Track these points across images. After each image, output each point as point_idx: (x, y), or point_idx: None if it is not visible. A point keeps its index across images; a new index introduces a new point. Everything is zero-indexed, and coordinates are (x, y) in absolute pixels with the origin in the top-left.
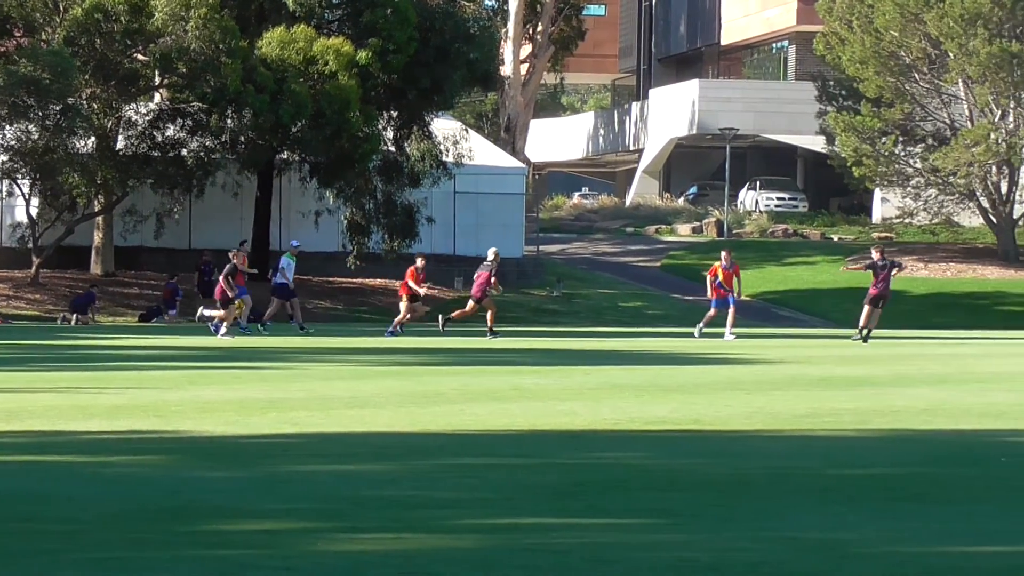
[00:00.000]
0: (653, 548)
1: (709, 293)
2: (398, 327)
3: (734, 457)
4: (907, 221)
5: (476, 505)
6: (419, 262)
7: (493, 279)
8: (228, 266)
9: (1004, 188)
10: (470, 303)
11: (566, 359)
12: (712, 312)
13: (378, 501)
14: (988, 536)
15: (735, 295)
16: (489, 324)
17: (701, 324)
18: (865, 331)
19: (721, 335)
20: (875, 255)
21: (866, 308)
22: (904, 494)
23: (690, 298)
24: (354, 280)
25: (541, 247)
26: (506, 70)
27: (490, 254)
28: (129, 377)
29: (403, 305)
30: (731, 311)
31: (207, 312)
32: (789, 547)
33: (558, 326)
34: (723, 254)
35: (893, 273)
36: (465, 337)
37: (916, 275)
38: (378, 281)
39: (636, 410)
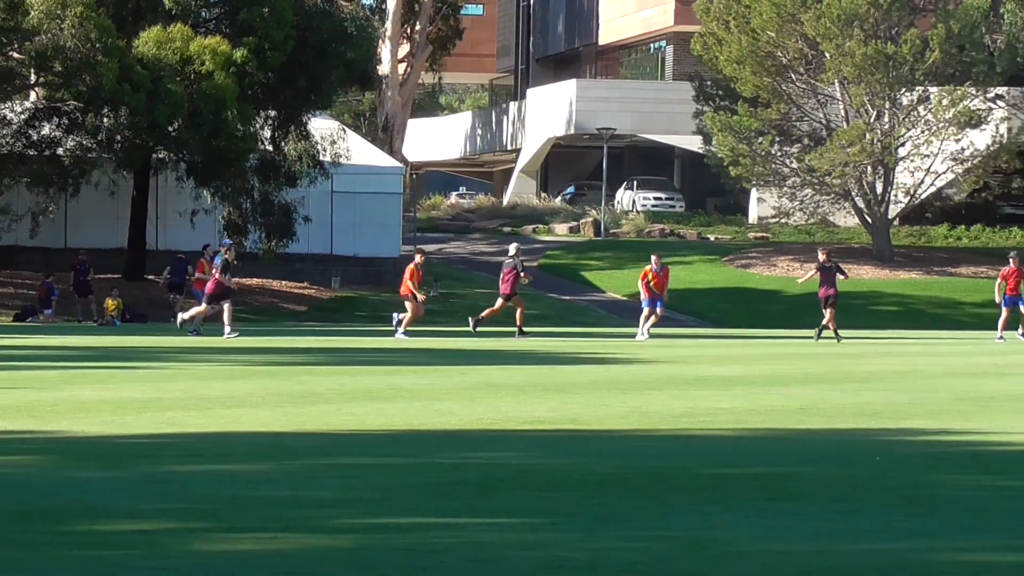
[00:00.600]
0: (531, 547)
1: (642, 295)
2: (404, 328)
3: (611, 456)
4: (783, 221)
5: (354, 505)
6: (419, 258)
7: (523, 273)
8: (220, 261)
9: (879, 188)
10: (499, 301)
11: (443, 359)
12: (647, 311)
13: (255, 501)
14: (863, 535)
15: (663, 298)
16: (518, 323)
17: (645, 326)
18: (830, 330)
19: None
20: (821, 257)
21: (826, 312)
22: (780, 493)
23: (567, 298)
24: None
25: (419, 247)
26: (384, 69)
27: (512, 249)
28: (3, 377)
29: (409, 305)
30: (658, 312)
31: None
32: (666, 546)
33: (435, 326)
34: (653, 258)
35: (840, 279)
36: (353, 337)
37: (792, 274)
38: (255, 281)
39: (513, 409)
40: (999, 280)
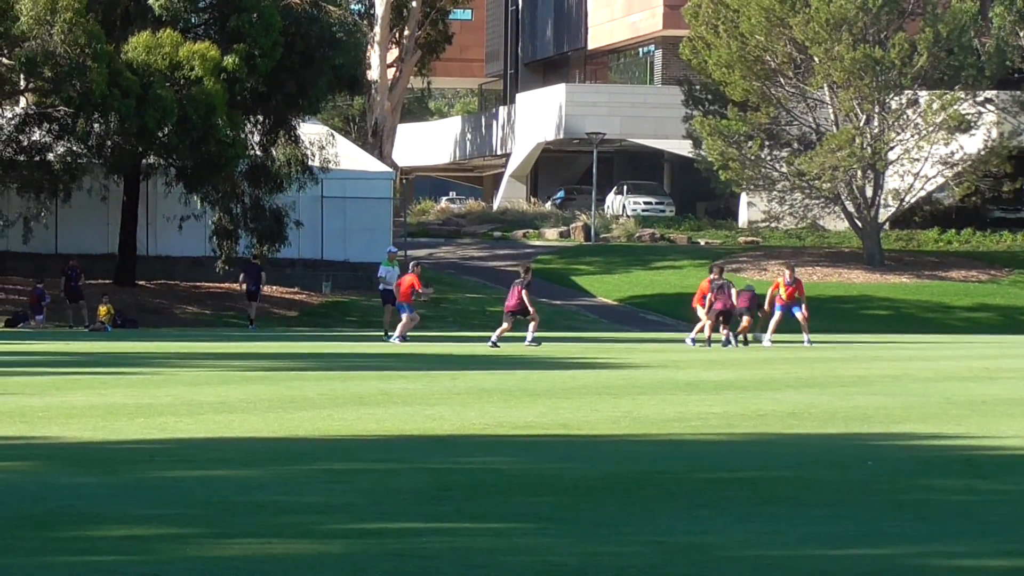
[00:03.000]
0: (522, 552)
1: (767, 306)
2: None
3: (601, 461)
4: (773, 225)
5: (344, 510)
6: (714, 274)
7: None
8: (525, 277)
9: (869, 192)
10: (745, 318)
11: (433, 364)
12: (779, 315)
13: (247, 506)
14: (853, 539)
15: (803, 307)
16: (732, 332)
17: (768, 333)
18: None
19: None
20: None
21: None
22: (771, 498)
23: (558, 302)
24: (221, 285)
25: (408, 252)
26: (373, 74)
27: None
28: None
29: (702, 313)
30: (802, 317)
31: (532, 337)
32: (656, 551)
33: (425, 331)
34: (786, 272)
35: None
36: (343, 342)
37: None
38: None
39: (503, 414)
40: None
